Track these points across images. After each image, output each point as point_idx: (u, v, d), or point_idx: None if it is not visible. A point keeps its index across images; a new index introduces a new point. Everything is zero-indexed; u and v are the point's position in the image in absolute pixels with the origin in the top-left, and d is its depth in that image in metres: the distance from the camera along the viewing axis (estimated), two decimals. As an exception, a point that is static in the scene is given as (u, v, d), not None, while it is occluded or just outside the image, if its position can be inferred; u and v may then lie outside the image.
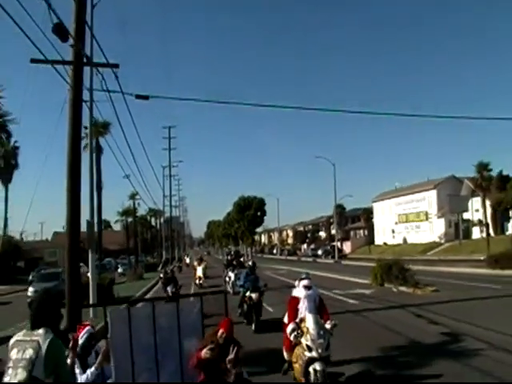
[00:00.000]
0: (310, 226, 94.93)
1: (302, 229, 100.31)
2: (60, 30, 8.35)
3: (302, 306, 6.06)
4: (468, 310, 11.88)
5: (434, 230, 55.11)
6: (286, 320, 6.27)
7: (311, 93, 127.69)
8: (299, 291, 6.28)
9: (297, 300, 6.18)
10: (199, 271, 22.57)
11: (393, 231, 64.28)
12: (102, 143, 26.43)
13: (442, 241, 51.55)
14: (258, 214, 56.12)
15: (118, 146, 55.71)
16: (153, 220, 66.79)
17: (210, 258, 70.26)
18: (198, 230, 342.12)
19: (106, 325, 4.37)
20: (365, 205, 72.64)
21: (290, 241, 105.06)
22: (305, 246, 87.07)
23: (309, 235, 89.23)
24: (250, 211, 53.74)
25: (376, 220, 68.39)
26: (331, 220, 73.57)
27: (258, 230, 76.86)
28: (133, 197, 45.97)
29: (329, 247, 59.54)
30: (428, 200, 56.26)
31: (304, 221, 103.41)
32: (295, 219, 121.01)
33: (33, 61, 11.75)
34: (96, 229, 21.47)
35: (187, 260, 46.15)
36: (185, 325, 4.55)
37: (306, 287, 6.26)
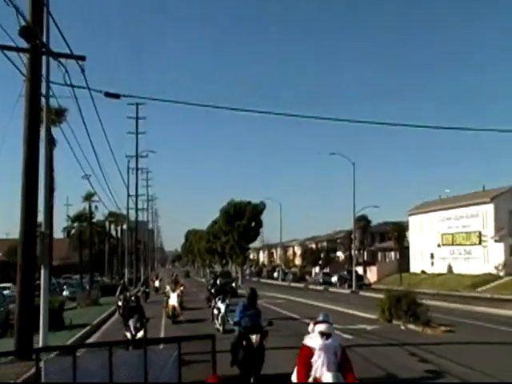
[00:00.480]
0: (325, 243, 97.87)
1: (313, 246, 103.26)
2: (28, 33, 11.04)
3: (318, 361, 6.11)
4: (472, 353, 14.64)
5: (489, 257, 57.10)
6: (294, 378, 6.43)
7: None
8: (314, 339, 6.31)
9: (310, 351, 6.19)
10: (173, 299, 23.02)
11: (431, 256, 67.11)
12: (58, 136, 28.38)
13: (501, 273, 53.07)
14: (252, 224, 58.96)
15: (75, 136, 58.23)
16: (113, 228, 69.50)
17: (188, 281, 72.94)
18: (172, 242, 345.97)
19: (37, 378, 4.44)
20: (399, 218, 75.70)
21: (297, 261, 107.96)
22: (317, 269, 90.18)
23: (322, 255, 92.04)
24: (241, 221, 56.54)
25: (412, 239, 71.31)
26: (352, 236, 76.65)
27: (254, 245, 79.54)
28: (89, 198, 48.57)
29: (345, 273, 62.37)
30: (483, 217, 58.55)
31: (317, 235, 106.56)
32: (305, 233, 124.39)
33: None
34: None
35: (156, 283, 48.15)
36: (155, 380, 4.69)
37: (324, 334, 6.26)
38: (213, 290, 27.10)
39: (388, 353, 14.45)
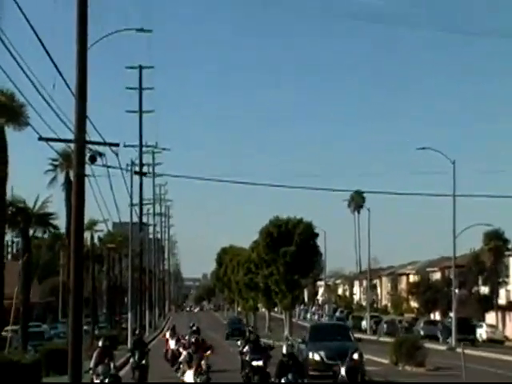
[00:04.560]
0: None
1: (438, 276, 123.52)
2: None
3: None
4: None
5: None
6: None
7: None
8: None
9: None
10: (189, 377, 28.28)
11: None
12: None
13: None
14: (304, 251, 79.61)
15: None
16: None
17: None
18: (195, 268, 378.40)
19: None
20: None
21: (414, 303, 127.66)
22: (438, 314, 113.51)
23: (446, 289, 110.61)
24: (288, 247, 78.49)
25: None
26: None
27: (351, 269, 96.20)
28: (91, 226, 69.71)
29: (450, 321, 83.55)
30: None
31: (446, 256, 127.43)
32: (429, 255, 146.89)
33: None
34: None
35: (172, 344, 51.14)
36: None
37: None
38: (252, 362, 33.31)
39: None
